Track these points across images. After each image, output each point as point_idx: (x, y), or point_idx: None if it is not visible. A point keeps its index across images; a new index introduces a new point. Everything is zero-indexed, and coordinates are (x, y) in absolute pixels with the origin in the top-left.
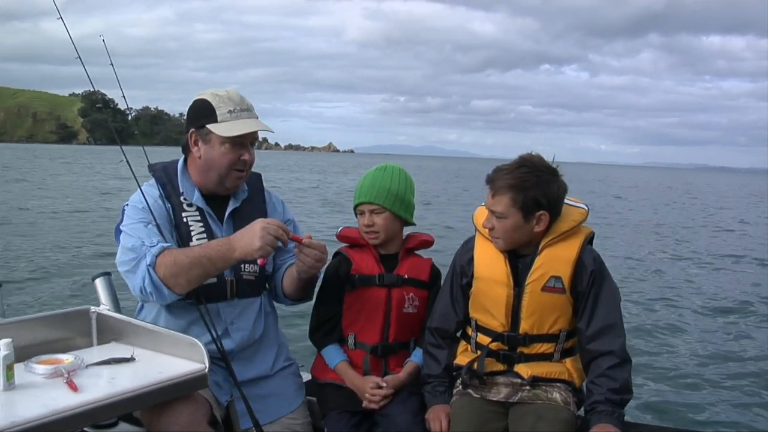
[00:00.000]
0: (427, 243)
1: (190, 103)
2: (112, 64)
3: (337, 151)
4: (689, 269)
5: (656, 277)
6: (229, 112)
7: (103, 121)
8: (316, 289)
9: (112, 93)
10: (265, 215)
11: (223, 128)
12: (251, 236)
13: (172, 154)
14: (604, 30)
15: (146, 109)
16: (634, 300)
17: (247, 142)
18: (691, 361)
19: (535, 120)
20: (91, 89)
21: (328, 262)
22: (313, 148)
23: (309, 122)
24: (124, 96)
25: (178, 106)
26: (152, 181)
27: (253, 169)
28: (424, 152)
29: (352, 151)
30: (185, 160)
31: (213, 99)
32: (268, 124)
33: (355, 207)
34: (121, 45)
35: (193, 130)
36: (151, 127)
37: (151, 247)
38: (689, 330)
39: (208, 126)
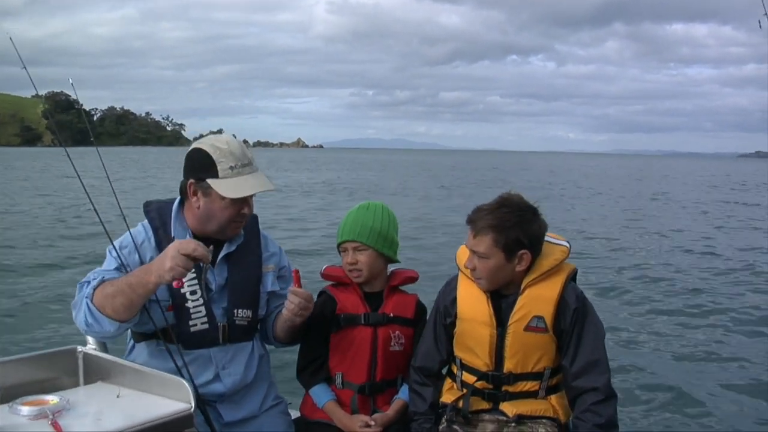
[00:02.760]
0: (411, 279)
1: (188, 152)
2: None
3: (306, 146)
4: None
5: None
6: (231, 168)
7: (68, 123)
8: None
9: (76, 94)
10: (260, 260)
11: (225, 187)
12: (163, 258)
13: (139, 152)
14: (568, 20)
15: (112, 109)
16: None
17: (249, 198)
18: (677, 386)
19: (503, 110)
20: (55, 90)
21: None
22: (282, 144)
23: (277, 118)
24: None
25: (145, 105)
26: (146, 222)
27: None
28: (393, 145)
29: (321, 147)
30: (181, 202)
31: (213, 152)
32: (239, 123)
33: (339, 245)
34: (86, 45)
35: (192, 181)
36: (117, 127)
37: (92, 280)
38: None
39: (208, 180)
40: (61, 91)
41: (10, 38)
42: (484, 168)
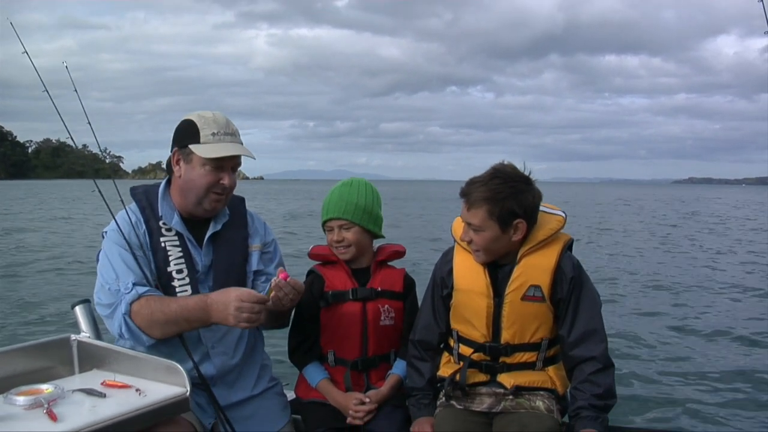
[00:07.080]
0: (399, 254)
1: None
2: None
3: (247, 178)
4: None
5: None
6: (213, 134)
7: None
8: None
9: (9, 126)
10: (246, 240)
11: (204, 149)
12: (225, 313)
13: (78, 185)
14: (506, 52)
15: (47, 141)
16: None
17: (227, 166)
18: (676, 361)
19: (443, 140)
20: None
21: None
22: None
23: None
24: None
25: (82, 138)
26: (133, 204)
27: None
28: (334, 176)
29: (262, 178)
30: (168, 182)
31: (198, 120)
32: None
33: (324, 223)
34: (21, 76)
35: (176, 149)
36: (53, 159)
37: (126, 293)
38: (671, 329)
39: (190, 146)
40: None
41: None
42: (422, 198)
